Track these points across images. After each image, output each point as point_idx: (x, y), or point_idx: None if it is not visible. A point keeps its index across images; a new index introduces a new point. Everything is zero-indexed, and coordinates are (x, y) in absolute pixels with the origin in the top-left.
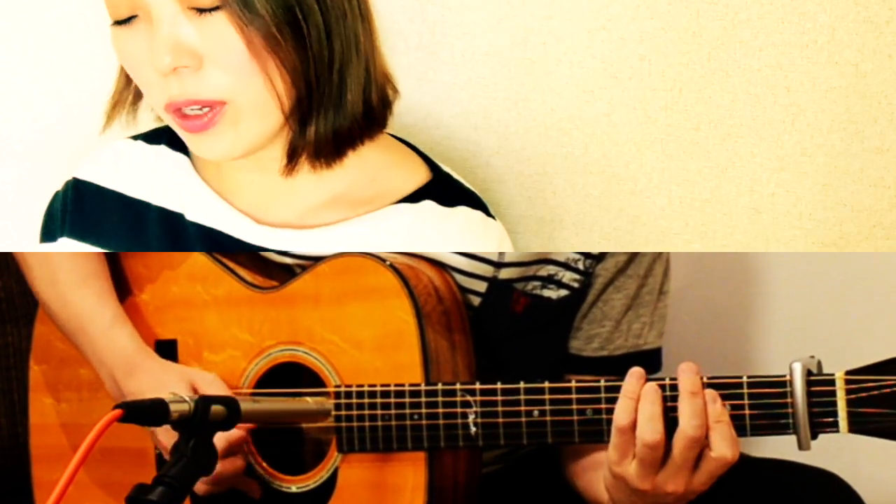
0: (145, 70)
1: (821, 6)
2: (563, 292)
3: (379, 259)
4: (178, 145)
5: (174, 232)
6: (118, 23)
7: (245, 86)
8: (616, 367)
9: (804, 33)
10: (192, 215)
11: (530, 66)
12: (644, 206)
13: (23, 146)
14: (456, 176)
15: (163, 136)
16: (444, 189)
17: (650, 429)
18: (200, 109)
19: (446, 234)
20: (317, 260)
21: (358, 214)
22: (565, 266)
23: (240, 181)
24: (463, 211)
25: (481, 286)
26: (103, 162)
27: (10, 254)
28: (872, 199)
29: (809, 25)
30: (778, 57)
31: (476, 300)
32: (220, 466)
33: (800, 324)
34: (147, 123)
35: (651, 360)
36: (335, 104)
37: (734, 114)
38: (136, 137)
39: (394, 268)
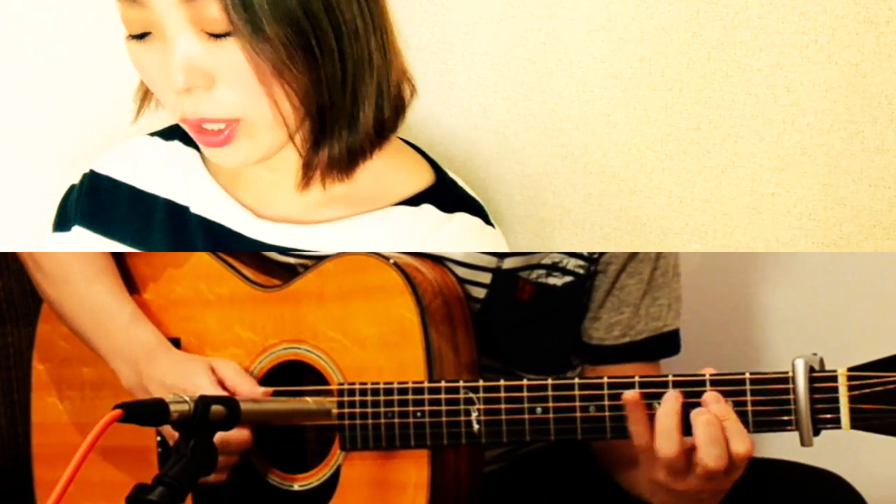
0: (159, 84)
1: (821, 6)
2: (568, 279)
3: (383, 258)
4: (190, 141)
5: (178, 224)
6: (133, 37)
7: (256, 104)
8: (640, 351)
9: (804, 33)
10: (196, 208)
11: (530, 66)
12: (644, 206)
13: (24, 146)
14: (461, 182)
15: (176, 133)
16: (445, 194)
17: (666, 445)
18: (216, 126)
19: (443, 238)
20: (319, 259)
21: (358, 213)
22: (569, 253)
23: (245, 175)
24: (462, 217)
25: (486, 277)
26: (120, 157)
27: (10, 254)
28: (872, 199)
29: (809, 25)
30: (778, 57)
31: (482, 291)
32: (228, 436)
33: (799, 324)
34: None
35: (671, 342)
36: (348, 123)
37: (734, 114)
38: (153, 134)
39: (398, 266)
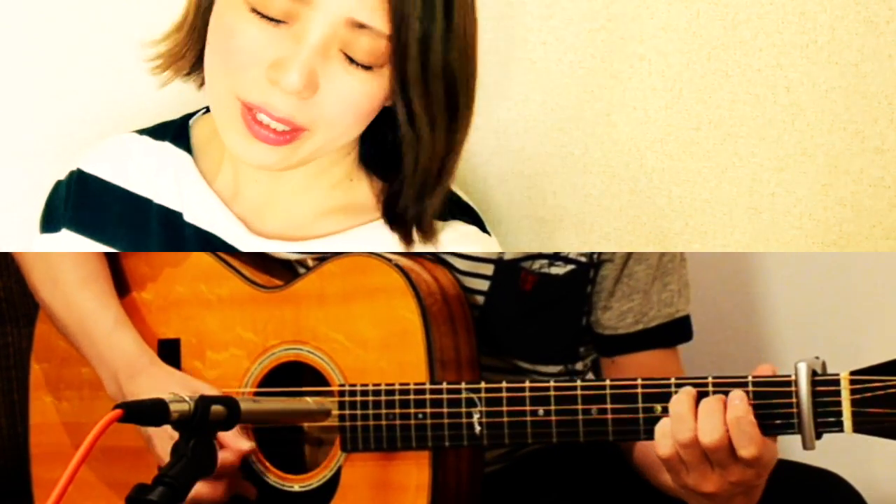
0: (254, 65)
1: (821, 6)
2: (570, 267)
3: (384, 259)
4: (181, 143)
5: (173, 231)
6: (260, 13)
7: (332, 128)
8: (655, 339)
9: (804, 33)
10: (190, 216)
11: (530, 66)
12: (644, 206)
13: (23, 146)
14: (456, 190)
15: (167, 133)
16: None
17: (680, 429)
18: (283, 126)
19: (437, 247)
20: (319, 258)
21: (350, 227)
22: None
23: (242, 183)
24: (456, 225)
25: (488, 269)
26: (108, 155)
27: (10, 254)
28: (872, 199)
29: (809, 25)
30: (778, 57)
31: (485, 284)
32: (203, 489)
33: (799, 324)
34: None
35: (685, 328)
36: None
37: (734, 114)
38: (141, 132)
39: (399, 267)
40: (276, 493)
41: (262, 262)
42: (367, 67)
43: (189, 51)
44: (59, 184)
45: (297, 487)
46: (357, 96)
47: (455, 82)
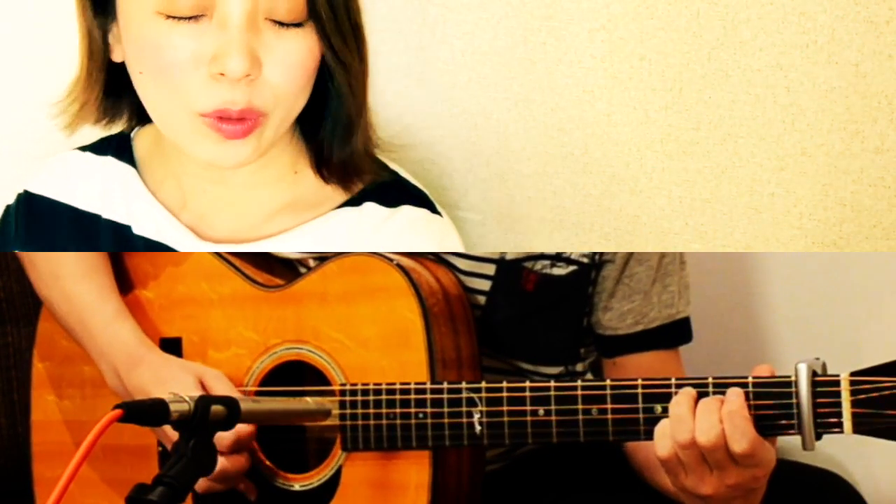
0: (193, 70)
1: (821, 6)
2: (572, 268)
3: (386, 258)
4: (124, 156)
5: (123, 245)
6: (174, 17)
7: (287, 101)
8: (655, 340)
9: (804, 33)
10: (138, 229)
11: (530, 66)
12: (644, 206)
13: (22, 146)
14: (403, 174)
15: (109, 147)
16: (387, 189)
17: (679, 430)
18: (242, 117)
19: (388, 234)
20: (320, 257)
21: (299, 223)
22: None
23: (189, 193)
24: (405, 210)
25: (490, 269)
26: (53, 174)
27: (10, 254)
28: (872, 199)
29: (809, 25)
30: (778, 57)
31: (487, 284)
32: (225, 463)
33: (798, 324)
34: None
35: (684, 330)
36: (364, 129)
37: (734, 114)
38: (83, 149)
39: (401, 267)
40: (277, 492)
41: (264, 261)
42: (297, 25)
43: (93, 99)
44: (8, 208)
45: (297, 486)
46: (298, 55)
47: (351, 5)
